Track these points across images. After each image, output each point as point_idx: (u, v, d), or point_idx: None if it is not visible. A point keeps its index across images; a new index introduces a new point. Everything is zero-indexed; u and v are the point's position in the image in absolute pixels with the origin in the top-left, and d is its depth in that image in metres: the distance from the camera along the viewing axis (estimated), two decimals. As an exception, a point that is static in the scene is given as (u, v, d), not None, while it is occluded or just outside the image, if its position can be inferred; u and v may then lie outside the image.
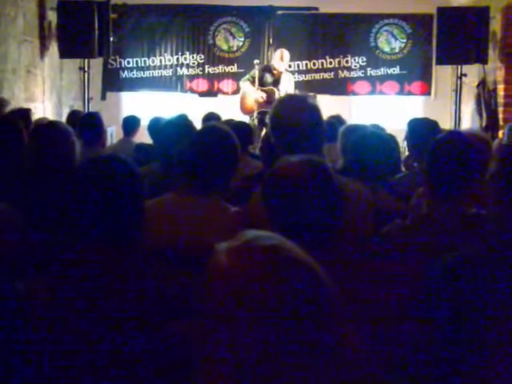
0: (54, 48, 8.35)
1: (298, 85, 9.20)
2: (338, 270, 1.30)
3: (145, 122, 7.01)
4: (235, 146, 2.85)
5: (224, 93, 9.71)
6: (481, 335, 1.65)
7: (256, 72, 8.58)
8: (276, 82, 8.41)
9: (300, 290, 1.22)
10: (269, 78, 8.45)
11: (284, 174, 2.06)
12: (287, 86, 8.44)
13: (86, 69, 8.28)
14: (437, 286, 1.74)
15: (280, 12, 9.69)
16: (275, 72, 8.39)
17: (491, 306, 1.64)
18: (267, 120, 2.92)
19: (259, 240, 1.27)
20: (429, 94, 9.94)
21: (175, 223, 2.65)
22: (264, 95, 8.37)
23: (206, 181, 2.73)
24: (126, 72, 9.96)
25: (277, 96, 8.26)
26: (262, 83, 8.48)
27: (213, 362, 1.24)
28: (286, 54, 8.55)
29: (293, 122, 2.75)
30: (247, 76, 8.73)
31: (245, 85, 8.63)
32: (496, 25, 8.36)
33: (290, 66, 9.96)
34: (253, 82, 8.52)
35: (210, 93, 9.94)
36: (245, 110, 8.47)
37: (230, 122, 5.38)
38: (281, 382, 1.19)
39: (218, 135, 2.84)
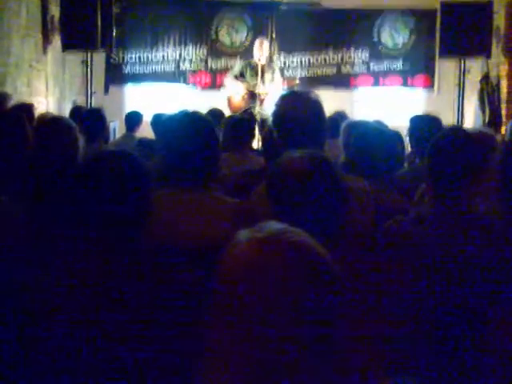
0: (56, 42, 8.35)
1: (300, 80, 9.21)
2: (341, 264, 1.30)
3: (148, 116, 7.03)
4: (209, 127, 2.76)
5: (227, 87, 9.72)
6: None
7: (237, 67, 8.61)
8: (259, 75, 8.39)
9: (320, 288, 1.22)
10: (249, 72, 8.45)
11: (287, 170, 2.07)
12: (272, 78, 8.42)
13: (89, 63, 8.28)
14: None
15: (283, 7, 9.69)
16: (258, 65, 8.37)
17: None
18: (270, 115, 2.91)
19: (285, 234, 1.27)
20: (432, 86, 9.92)
21: (172, 219, 2.63)
22: (246, 91, 8.37)
23: (190, 172, 2.66)
24: (128, 66, 9.97)
25: (260, 89, 8.29)
26: (243, 78, 8.47)
27: (220, 354, 1.24)
28: (266, 43, 8.52)
29: (295, 117, 2.75)
30: (231, 73, 8.71)
31: (229, 82, 8.63)
32: (499, 20, 8.36)
33: (292, 61, 9.97)
34: (237, 79, 8.53)
35: (213, 87, 9.95)
36: (233, 109, 8.43)
37: (233, 117, 5.39)
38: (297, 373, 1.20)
39: (190, 124, 2.76)
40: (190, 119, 2.80)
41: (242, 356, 1.20)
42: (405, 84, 9.96)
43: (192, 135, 2.69)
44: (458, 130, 2.72)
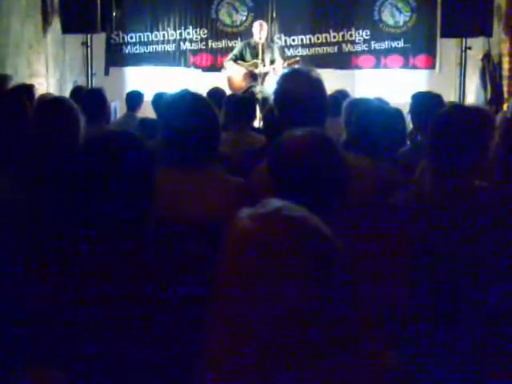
0: (56, 24, 8.32)
1: (301, 59, 9.17)
2: (342, 241, 1.31)
3: (149, 97, 7.01)
4: (209, 106, 2.76)
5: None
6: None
7: (237, 49, 8.64)
8: (258, 55, 8.37)
9: (321, 264, 1.23)
10: (248, 52, 8.45)
11: (289, 148, 2.07)
12: (272, 57, 8.42)
13: (89, 44, 8.26)
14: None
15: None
16: (257, 45, 8.36)
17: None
18: (271, 94, 2.91)
19: (287, 210, 1.28)
20: (433, 67, 9.88)
21: (173, 197, 2.61)
22: (246, 71, 8.36)
23: (191, 150, 2.66)
24: (129, 47, 9.94)
25: (260, 68, 8.28)
26: (242, 59, 8.48)
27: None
28: (265, 26, 8.57)
29: (296, 95, 2.75)
30: (231, 55, 8.72)
31: (229, 65, 8.62)
32: (500, -3, 8.34)
33: (293, 40, 9.92)
34: (236, 60, 8.52)
35: (214, 68, 9.91)
36: (234, 88, 8.39)
37: (234, 96, 5.38)
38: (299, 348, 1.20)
39: (190, 103, 2.76)
40: (190, 98, 2.81)
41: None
42: (406, 65, 9.91)
43: (192, 114, 2.68)
44: (458, 106, 2.72)
